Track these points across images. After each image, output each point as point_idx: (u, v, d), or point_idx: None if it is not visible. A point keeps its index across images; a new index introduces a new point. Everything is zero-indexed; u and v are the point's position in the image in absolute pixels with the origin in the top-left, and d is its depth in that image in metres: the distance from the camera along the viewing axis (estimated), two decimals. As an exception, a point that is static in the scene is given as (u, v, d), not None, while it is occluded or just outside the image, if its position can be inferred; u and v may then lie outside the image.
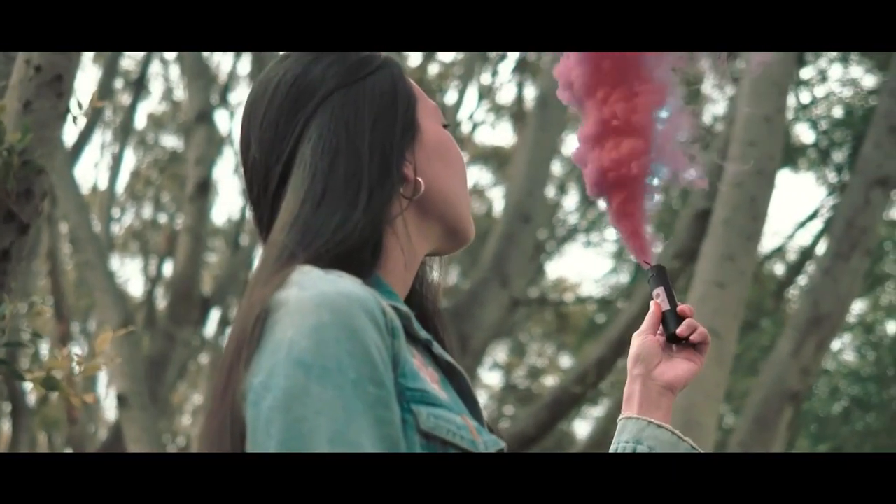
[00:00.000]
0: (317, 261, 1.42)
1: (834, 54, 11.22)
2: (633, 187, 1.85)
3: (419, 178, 1.56)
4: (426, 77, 12.95)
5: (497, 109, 15.23)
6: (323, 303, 1.32)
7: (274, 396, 1.29)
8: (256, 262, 1.51)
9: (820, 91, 11.93)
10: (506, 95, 20.84)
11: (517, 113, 13.60)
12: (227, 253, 15.91)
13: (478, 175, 17.07)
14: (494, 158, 16.31)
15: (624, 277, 13.99)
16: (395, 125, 1.56)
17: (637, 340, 1.84)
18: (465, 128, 14.39)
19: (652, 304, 1.85)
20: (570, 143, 13.82)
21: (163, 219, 17.23)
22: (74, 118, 2.98)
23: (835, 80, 11.96)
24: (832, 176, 12.02)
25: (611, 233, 13.58)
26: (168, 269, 15.10)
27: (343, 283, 1.36)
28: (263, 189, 1.56)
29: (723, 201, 6.54)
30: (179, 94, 16.42)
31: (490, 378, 19.64)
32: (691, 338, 1.80)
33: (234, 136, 15.49)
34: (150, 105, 17.93)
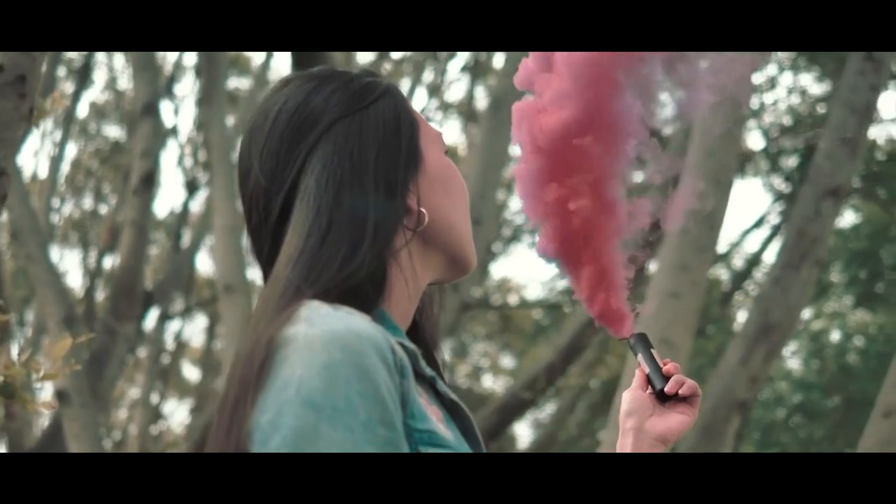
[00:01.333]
0: (324, 296, 1.40)
1: (785, 62, 11.26)
2: (601, 259, 1.80)
3: (423, 210, 1.54)
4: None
5: (446, 107, 15.19)
6: (333, 340, 1.30)
7: (283, 436, 1.27)
8: (259, 297, 1.48)
9: (769, 98, 11.99)
10: (454, 93, 20.73)
11: (467, 112, 13.52)
12: (168, 245, 15.74)
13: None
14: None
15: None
16: (399, 155, 1.54)
17: (627, 396, 1.84)
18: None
19: (637, 370, 1.84)
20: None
21: (104, 210, 17.01)
22: (38, 122, 2.88)
23: (784, 86, 12.02)
24: (778, 182, 12.07)
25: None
26: (109, 262, 14.91)
27: (353, 321, 1.34)
28: (264, 219, 1.53)
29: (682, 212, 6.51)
30: (123, 83, 16.22)
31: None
32: (680, 392, 1.79)
33: (180, 129, 15.36)
34: (93, 94, 17.68)
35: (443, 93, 14.73)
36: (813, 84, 11.88)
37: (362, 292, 1.44)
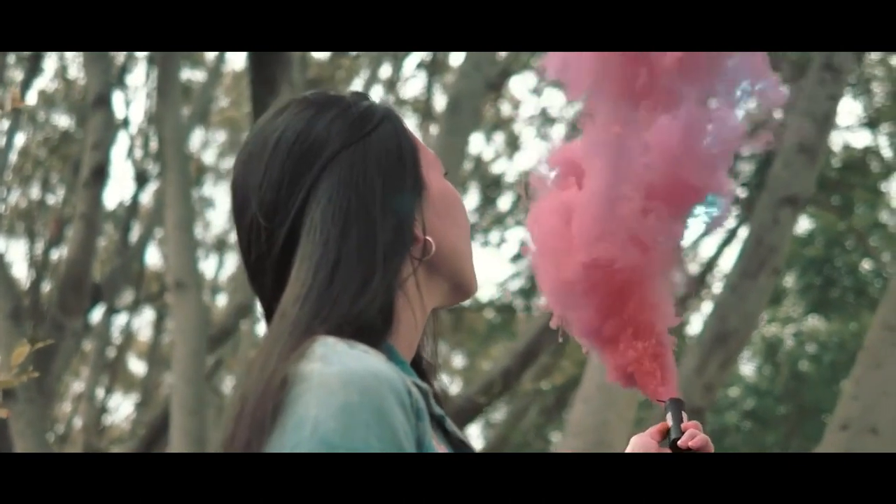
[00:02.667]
0: (337, 332, 1.37)
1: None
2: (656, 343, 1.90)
3: (429, 238, 1.51)
4: (337, 76, 12.77)
5: (401, 104, 15.11)
6: (351, 381, 1.28)
7: None
8: (266, 335, 1.43)
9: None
10: (411, 90, 20.69)
11: (424, 110, 13.45)
12: (115, 238, 15.55)
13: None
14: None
15: (523, 282, 13.96)
16: (403, 184, 1.51)
17: (636, 439, 1.87)
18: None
19: (662, 423, 1.88)
20: (476, 144, 13.75)
21: (51, 200, 16.78)
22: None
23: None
24: (734, 188, 12.04)
25: (512, 234, 13.53)
26: (56, 254, 14.71)
27: (370, 361, 1.31)
28: (265, 252, 1.49)
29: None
30: (74, 72, 16.00)
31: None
32: (690, 444, 1.80)
33: (130, 120, 15.16)
34: (43, 82, 17.44)
35: (398, 90, 14.66)
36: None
37: (371, 326, 1.41)
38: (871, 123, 10.67)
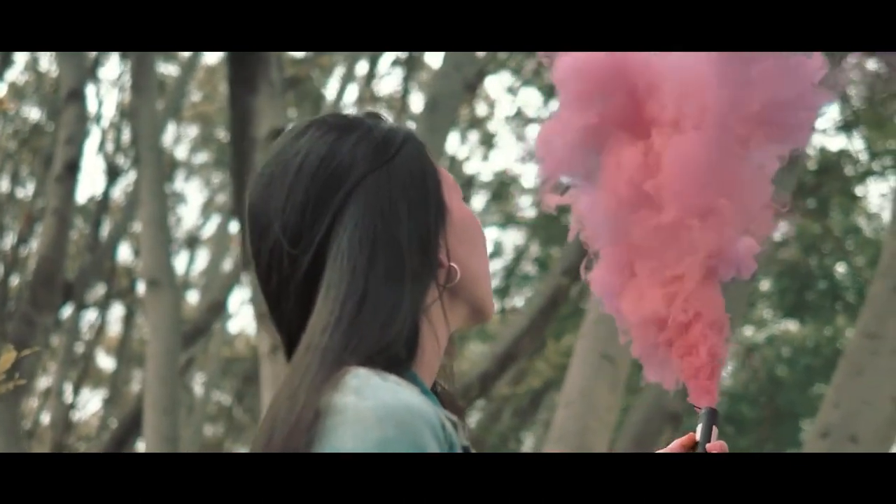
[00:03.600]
0: (368, 363, 1.36)
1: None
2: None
3: (453, 265, 1.50)
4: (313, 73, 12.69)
5: (375, 100, 15.04)
6: (387, 416, 1.27)
7: None
8: (292, 365, 1.41)
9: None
10: (387, 86, 20.60)
11: (400, 107, 13.39)
12: (86, 233, 15.42)
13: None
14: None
15: (498, 282, 13.92)
16: (428, 209, 1.50)
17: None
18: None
19: (690, 433, 1.83)
20: (450, 143, 13.68)
21: (20, 193, 16.62)
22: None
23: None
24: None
25: (487, 234, 13.50)
26: (26, 249, 14.56)
27: (405, 394, 1.31)
28: (287, 278, 1.47)
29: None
30: (45, 64, 15.85)
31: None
32: None
33: (103, 114, 15.04)
34: (13, 74, 17.27)
35: (373, 87, 14.60)
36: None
37: (398, 355, 1.40)
38: (847, 127, 10.68)
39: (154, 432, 8.66)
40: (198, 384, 17.56)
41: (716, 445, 1.77)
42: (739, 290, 7.64)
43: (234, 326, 18.65)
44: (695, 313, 1.82)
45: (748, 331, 12.69)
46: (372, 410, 1.27)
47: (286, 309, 1.48)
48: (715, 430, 1.82)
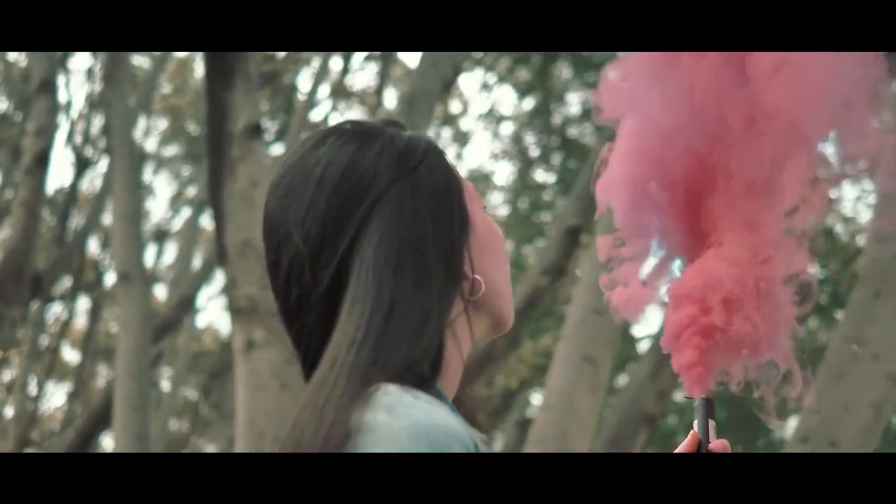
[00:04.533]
0: (397, 380, 1.31)
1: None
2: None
3: (478, 277, 1.47)
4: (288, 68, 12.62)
5: (347, 95, 14.99)
6: (419, 435, 1.22)
7: None
8: (317, 382, 1.34)
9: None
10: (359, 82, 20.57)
11: (374, 104, 13.34)
12: (53, 224, 15.28)
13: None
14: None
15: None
16: (453, 220, 1.46)
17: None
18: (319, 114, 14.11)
19: (691, 433, 1.76)
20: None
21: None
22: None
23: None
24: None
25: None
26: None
27: (437, 413, 1.25)
28: (309, 291, 1.42)
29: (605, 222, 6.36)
30: (13, 54, 15.68)
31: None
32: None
33: (73, 105, 14.87)
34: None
35: (346, 83, 14.55)
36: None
37: (425, 371, 1.36)
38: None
39: (123, 428, 8.56)
40: (165, 379, 17.44)
41: (718, 445, 1.72)
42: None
43: (201, 321, 18.51)
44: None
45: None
46: (405, 429, 1.23)
47: (306, 323, 1.43)
48: (712, 423, 1.76)
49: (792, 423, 7.26)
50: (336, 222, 1.41)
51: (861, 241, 10.70)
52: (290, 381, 6.19)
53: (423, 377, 1.35)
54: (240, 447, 6.24)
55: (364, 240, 1.40)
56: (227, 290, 6.35)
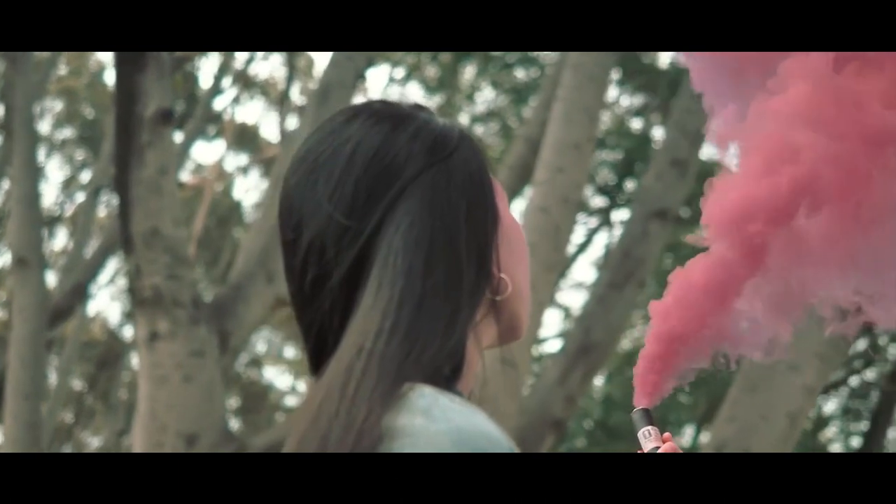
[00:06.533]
0: (430, 380, 1.24)
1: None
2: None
3: (504, 276, 1.39)
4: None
5: (249, 86, 14.81)
6: (461, 442, 1.17)
7: None
8: (339, 371, 1.26)
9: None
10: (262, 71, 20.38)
11: (281, 98, 13.17)
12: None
13: (236, 160, 16.71)
14: (246, 139, 15.85)
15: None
16: (486, 214, 1.39)
17: None
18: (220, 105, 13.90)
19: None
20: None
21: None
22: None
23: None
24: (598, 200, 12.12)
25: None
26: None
27: (477, 419, 1.20)
28: (327, 273, 1.34)
29: (528, 227, 6.31)
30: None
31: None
32: None
33: None
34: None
35: (249, 72, 14.37)
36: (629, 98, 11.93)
37: (446, 373, 1.29)
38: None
39: (15, 418, 8.31)
40: (52, 367, 17.04)
41: (667, 447, 1.70)
42: (627, 299, 7.64)
43: (94, 308, 18.13)
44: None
45: (626, 342, 12.75)
46: (446, 435, 1.17)
47: (318, 309, 1.35)
48: (655, 429, 1.73)
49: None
50: (364, 204, 1.33)
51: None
52: (193, 374, 6.05)
53: (447, 379, 1.28)
54: (140, 440, 6.08)
55: (391, 225, 1.32)
56: (131, 279, 6.15)
